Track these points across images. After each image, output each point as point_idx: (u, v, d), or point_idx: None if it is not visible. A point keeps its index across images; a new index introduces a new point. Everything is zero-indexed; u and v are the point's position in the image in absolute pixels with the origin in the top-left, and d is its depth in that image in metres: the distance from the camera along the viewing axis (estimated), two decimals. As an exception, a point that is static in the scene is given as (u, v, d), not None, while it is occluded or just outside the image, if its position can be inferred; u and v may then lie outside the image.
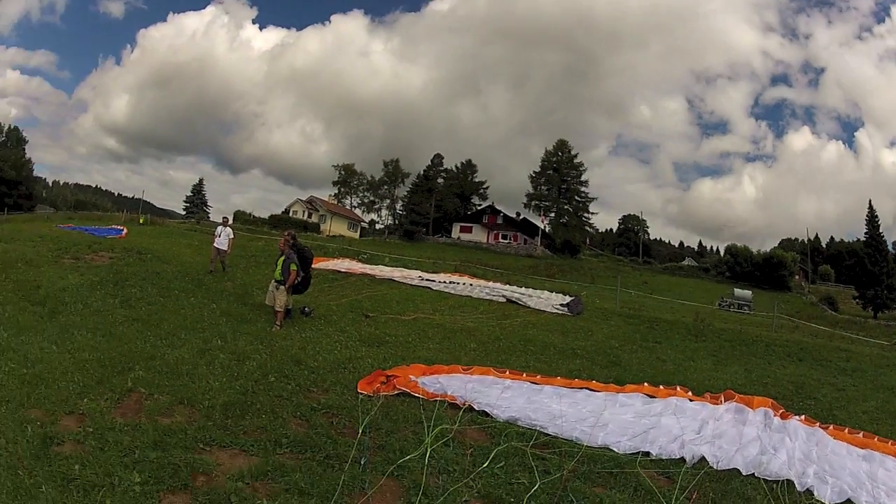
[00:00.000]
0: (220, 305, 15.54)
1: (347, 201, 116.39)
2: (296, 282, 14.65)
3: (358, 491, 5.90)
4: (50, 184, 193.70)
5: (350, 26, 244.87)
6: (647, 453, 7.70)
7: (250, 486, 5.87)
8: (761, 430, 8.91)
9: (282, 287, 14.25)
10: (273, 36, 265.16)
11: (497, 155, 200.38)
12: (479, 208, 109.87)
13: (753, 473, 7.24)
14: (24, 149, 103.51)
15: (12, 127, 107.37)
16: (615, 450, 7.71)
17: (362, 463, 6.36)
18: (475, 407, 8.83)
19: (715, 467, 7.32)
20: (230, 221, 23.83)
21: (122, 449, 6.37)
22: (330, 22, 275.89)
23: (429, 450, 5.07)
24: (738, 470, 7.33)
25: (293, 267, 14.36)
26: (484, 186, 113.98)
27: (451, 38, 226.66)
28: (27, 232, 25.77)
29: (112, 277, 17.20)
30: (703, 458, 7.61)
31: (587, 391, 10.72)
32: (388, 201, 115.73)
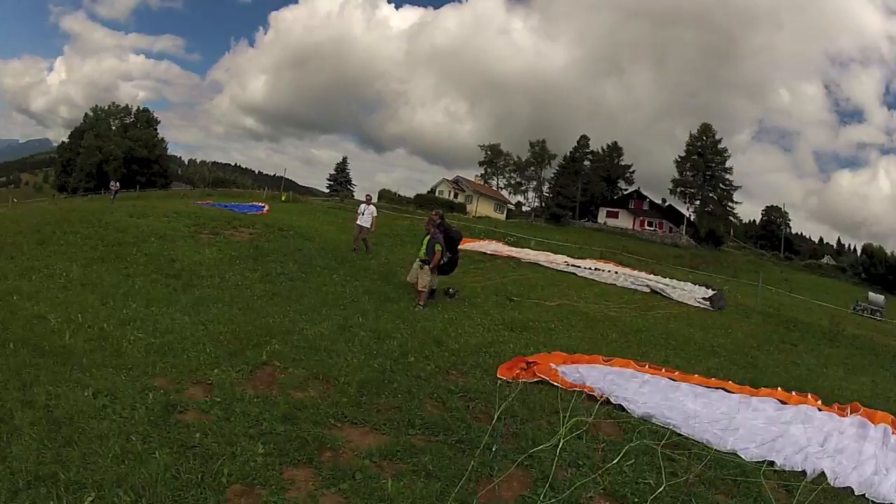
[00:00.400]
0: (363, 283, 15.89)
1: (494, 182, 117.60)
2: (441, 262, 14.82)
3: (485, 477, 5.85)
4: (186, 162, 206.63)
5: (488, 4, 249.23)
6: (772, 462, 7.43)
7: (377, 465, 5.90)
8: (878, 448, 8.43)
9: (426, 267, 14.43)
10: (410, 14, 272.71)
11: (642, 137, 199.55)
12: (625, 193, 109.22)
13: (864, 494, 6.90)
14: (155, 129, 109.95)
15: (141, 108, 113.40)
16: (742, 456, 7.50)
17: (493, 449, 6.32)
18: (612, 400, 8.79)
19: (832, 484, 7.03)
20: (373, 199, 24.32)
21: (249, 420, 6.52)
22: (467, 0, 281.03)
23: (562, 441, 4.98)
24: (851, 488, 7.01)
25: (438, 247, 14.52)
26: (630, 170, 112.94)
27: (590, 15, 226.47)
28: (162, 208, 26.78)
29: (252, 253, 17.79)
30: (822, 473, 7.28)
31: (723, 392, 10.52)
32: (534, 183, 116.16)
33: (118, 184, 51.52)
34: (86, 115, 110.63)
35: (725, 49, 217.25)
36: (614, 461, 5.97)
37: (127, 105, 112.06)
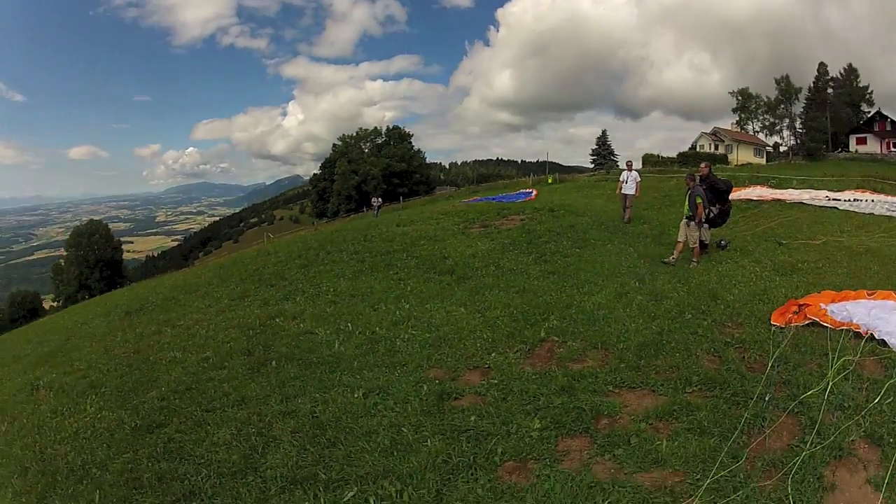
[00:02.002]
0: (637, 248, 15.78)
1: (749, 127, 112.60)
2: (709, 215, 14.59)
3: (757, 429, 5.75)
4: (447, 166, 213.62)
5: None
6: None
7: (652, 427, 5.88)
8: None
9: (692, 223, 14.16)
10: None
11: (872, 52, 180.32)
12: (868, 116, 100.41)
13: None
14: (409, 142, 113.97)
15: (391, 127, 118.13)
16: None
17: (766, 399, 6.20)
18: (875, 335, 8.31)
19: None
20: (636, 165, 24.05)
21: (527, 397, 6.70)
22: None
23: (830, 384, 4.76)
24: None
25: (698, 200, 14.20)
26: (868, 91, 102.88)
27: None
28: (428, 212, 27.97)
29: (524, 237, 17.96)
30: None
31: None
32: (787, 121, 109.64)
33: (380, 199, 54.04)
34: (334, 145, 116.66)
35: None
36: (875, 401, 5.82)
37: (376, 127, 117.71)
